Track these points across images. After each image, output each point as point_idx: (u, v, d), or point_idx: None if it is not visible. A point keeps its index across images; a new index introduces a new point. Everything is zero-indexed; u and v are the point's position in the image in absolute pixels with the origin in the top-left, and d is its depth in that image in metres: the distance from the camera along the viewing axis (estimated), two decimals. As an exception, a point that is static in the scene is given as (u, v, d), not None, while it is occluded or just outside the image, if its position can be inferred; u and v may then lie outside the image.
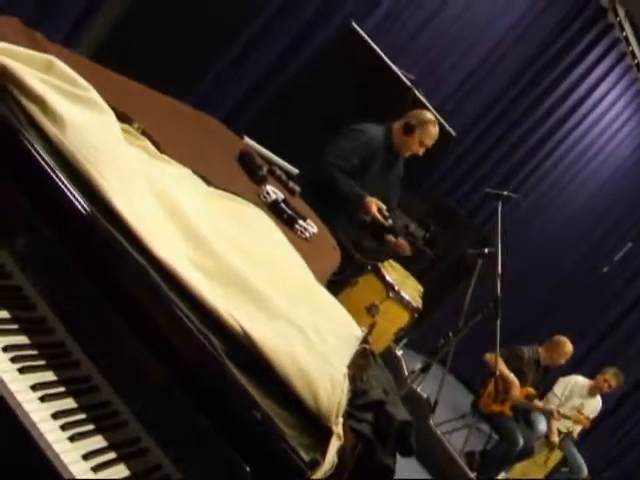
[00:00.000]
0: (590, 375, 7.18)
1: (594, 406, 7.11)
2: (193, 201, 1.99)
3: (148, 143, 2.16)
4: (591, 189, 8.48)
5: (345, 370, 1.62)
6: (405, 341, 5.64)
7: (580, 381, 7.08)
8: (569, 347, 6.10)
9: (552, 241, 8.38)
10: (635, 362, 8.16)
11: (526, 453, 5.81)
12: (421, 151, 4.45)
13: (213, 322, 1.57)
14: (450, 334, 3.99)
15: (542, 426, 6.58)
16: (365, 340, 1.88)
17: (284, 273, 2.00)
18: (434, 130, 4.43)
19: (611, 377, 6.99)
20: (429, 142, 4.42)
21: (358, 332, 1.89)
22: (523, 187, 7.94)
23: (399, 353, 5.57)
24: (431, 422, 5.45)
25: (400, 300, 4.06)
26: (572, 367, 7.50)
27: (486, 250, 4.05)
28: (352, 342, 1.81)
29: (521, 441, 5.62)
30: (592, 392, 7.05)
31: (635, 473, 8.17)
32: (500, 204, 4.73)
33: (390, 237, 4.41)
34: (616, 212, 8.43)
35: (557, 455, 7.06)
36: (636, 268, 8.36)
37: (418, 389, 5.35)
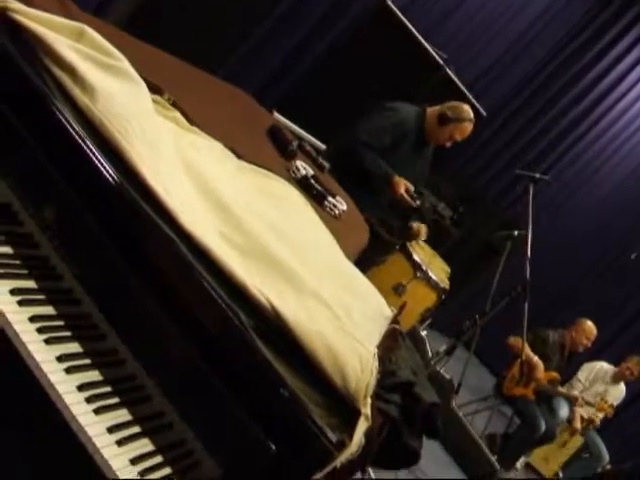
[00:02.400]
0: (615, 362, 7.11)
1: (617, 393, 7.05)
2: (223, 174, 1.96)
3: (178, 114, 2.14)
4: (622, 174, 8.36)
5: (374, 350, 1.59)
6: (429, 322, 5.61)
7: (604, 367, 7.01)
8: (593, 329, 6.03)
9: (581, 225, 8.29)
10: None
11: (547, 438, 5.77)
12: (449, 144, 4.34)
13: (242, 297, 1.54)
14: (477, 317, 3.94)
15: (564, 412, 6.53)
16: (395, 320, 1.85)
17: (314, 250, 1.97)
18: (469, 128, 4.29)
19: (634, 365, 6.91)
20: (459, 138, 4.29)
21: (388, 312, 1.86)
22: (552, 170, 7.85)
23: (423, 334, 5.53)
24: (454, 404, 5.42)
25: (427, 280, 4.02)
26: (596, 354, 7.43)
27: (516, 232, 3.99)
28: (382, 322, 1.77)
29: (543, 426, 5.58)
30: (616, 379, 6.98)
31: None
32: (531, 186, 4.65)
33: (411, 222, 4.35)
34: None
35: (577, 440, 7.01)
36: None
37: (442, 370, 5.32)
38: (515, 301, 4.09)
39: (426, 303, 4.11)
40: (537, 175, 4.71)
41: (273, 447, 1.43)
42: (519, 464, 6.53)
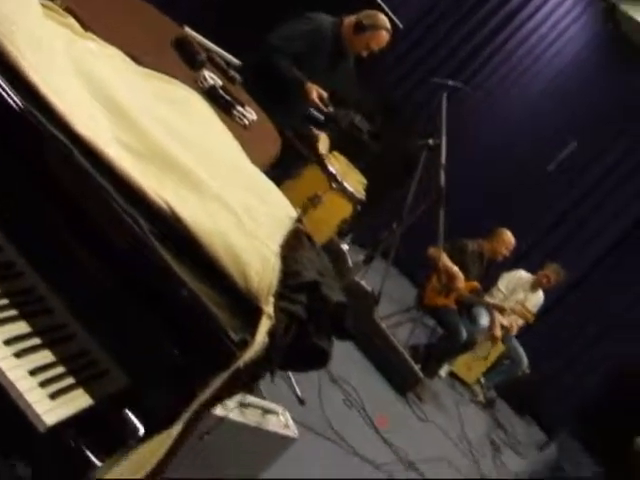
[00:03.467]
0: (533, 271, 7.31)
1: (536, 300, 7.28)
2: (121, 80, 1.87)
3: (73, 21, 2.03)
4: (540, 86, 8.43)
5: (277, 249, 1.57)
6: (351, 236, 5.64)
7: (523, 276, 7.21)
8: (511, 239, 6.15)
9: (499, 137, 8.36)
10: (577, 259, 8.31)
11: (468, 346, 5.92)
12: (365, 53, 4.33)
13: (140, 201, 1.49)
14: (394, 225, 3.95)
15: (484, 320, 6.71)
16: (300, 221, 1.83)
17: (217, 155, 1.91)
18: (385, 37, 4.30)
19: (551, 273, 7.13)
20: (375, 47, 4.30)
21: (292, 213, 1.84)
22: (471, 81, 7.86)
23: (345, 248, 5.57)
24: (376, 316, 5.51)
25: (343, 191, 4.01)
26: (515, 263, 7.62)
27: (430, 141, 3.99)
28: (286, 223, 1.74)
29: (464, 334, 5.72)
30: (534, 287, 7.19)
31: (573, 366, 8.43)
32: (445, 94, 4.65)
33: (314, 129, 4.33)
34: (564, 111, 8.41)
35: (499, 348, 7.25)
36: (580, 167, 8.41)
37: (362, 282, 5.38)
38: (433, 211, 4.11)
39: (342, 214, 4.10)
40: (450, 82, 4.71)
41: (176, 350, 1.41)
42: (443, 372, 6.72)
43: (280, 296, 1.52)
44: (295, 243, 1.68)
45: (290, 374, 4.08)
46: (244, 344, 1.38)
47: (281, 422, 2.93)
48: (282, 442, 2.96)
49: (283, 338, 1.52)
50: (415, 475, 4.57)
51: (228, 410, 2.62)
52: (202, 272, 1.45)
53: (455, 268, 5.77)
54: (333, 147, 4.37)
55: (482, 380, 7.35)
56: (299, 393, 4.07)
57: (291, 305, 1.54)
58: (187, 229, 1.46)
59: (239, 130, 2.67)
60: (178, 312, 1.41)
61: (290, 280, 1.56)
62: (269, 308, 1.44)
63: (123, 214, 1.45)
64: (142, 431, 1.40)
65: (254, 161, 2.21)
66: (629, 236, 8.33)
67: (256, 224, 1.58)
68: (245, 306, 1.45)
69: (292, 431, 2.97)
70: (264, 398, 3.66)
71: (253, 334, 1.40)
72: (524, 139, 8.42)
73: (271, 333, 1.45)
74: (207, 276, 1.44)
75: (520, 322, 7.14)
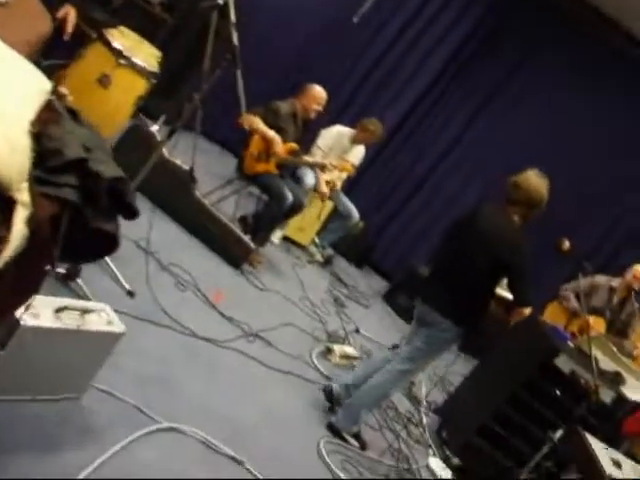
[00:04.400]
0: (352, 125, 7.28)
1: (357, 153, 7.29)
2: None
3: None
4: None
5: (27, 127, 1.33)
6: (164, 118, 5.32)
7: (342, 131, 7.17)
8: (322, 93, 6.00)
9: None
10: (390, 109, 8.35)
11: (296, 207, 5.85)
12: None
13: None
14: (194, 95, 3.71)
15: (309, 179, 6.67)
16: (55, 92, 1.58)
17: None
18: None
19: (372, 131, 7.12)
20: None
21: (46, 85, 1.59)
22: None
23: (155, 128, 5.27)
24: (197, 194, 5.31)
25: (132, 66, 3.69)
26: (332, 120, 7.56)
27: (220, 1, 3.71)
28: (36, 97, 1.51)
29: (290, 196, 5.64)
30: (354, 141, 7.17)
31: (398, 213, 8.64)
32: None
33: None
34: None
35: (329, 206, 7.27)
36: (383, 18, 8.31)
37: (177, 162, 5.14)
38: (232, 73, 3.86)
39: (137, 91, 3.79)
40: None
41: None
42: (276, 239, 6.68)
43: (40, 180, 1.30)
44: (50, 117, 1.45)
45: (114, 268, 3.87)
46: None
47: (103, 319, 2.75)
48: (109, 339, 2.79)
49: (53, 227, 1.32)
50: (262, 344, 4.55)
51: (40, 318, 2.41)
52: None
53: (271, 132, 5.61)
54: (124, 24, 4.01)
55: (317, 240, 7.39)
56: (127, 286, 3.87)
57: (58, 189, 1.33)
58: None
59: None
60: None
61: (50, 161, 1.34)
62: (23, 196, 1.23)
63: None
64: None
65: (15, 38, 1.92)
66: (439, 81, 8.44)
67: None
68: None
69: (117, 326, 2.80)
70: (89, 299, 3.48)
71: (8, 228, 1.19)
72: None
73: (34, 223, 1.24)
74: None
75: (343, 176, 7.16)
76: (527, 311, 3.97)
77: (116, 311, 2.98)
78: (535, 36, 8.19)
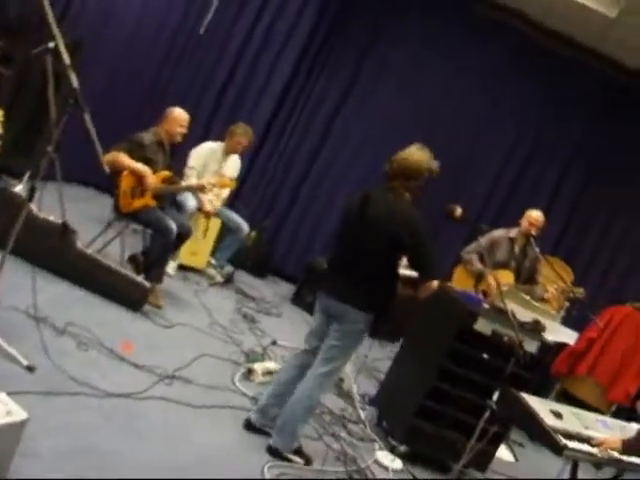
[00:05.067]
0: (221, 138, 7.13)
1: (233, 165, 7.16)
2: None
3: None
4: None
5: None
6: (29, 174, 5.06)
7: (212, 146, 7.01)
8: (180, 113, 5.77)
9: (143, 15, 7.83)
10: (255, 112, 8.24)
11: (184, 234, 5.67)
12: None
13: None
14: (48, 148, 3.48)
15: (191, 203, 6.52)
16: None
17: None
18: None
19: (241, 136, 7.00)
20: None
21: None
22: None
23: (18, 188, 5.01)
24: (78, 245, 5.07)
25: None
26: (200, 138, 7.40)
27: (51, 45, 3.49)
28: None
29: (174, 226, 5.44)
30: (227, 151, 7.03)
31: (288, 212, 8.54)
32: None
33: None
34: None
35: (217, 224, 7.11)
36: (228, 23, 8.18)
37: (51, 218, 4.89)
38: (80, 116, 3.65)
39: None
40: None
41: None
42: (171, 270, 6.48)
43: None
44: None
45: (6, 346, 3.61)
46: None
47: (1, 411, 2.53)
48: (12, 430, 2.57)
49: None
50: (181, 383, 4.37)
51: None
52: None
53: (139, 165, 5.41)
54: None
55: (213, 261, 7.22)
56: (24, 362, 3.62)
57: None
58: None
59: None
60: None
61: None
62: None
63: None
64: None
65: None
66: (299, 73, 8.38)
67: None
68: None
69: (18, 414, 2.59)
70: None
71: None
72: (167, 10, 8.00)
73: None
74: None
75: (225, 192, 7.01)
76: (434, 284, 3.92)
77: (16, 393, 2.77)
78: (384, 9, 8.22)
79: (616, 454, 3.51)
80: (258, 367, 5.05)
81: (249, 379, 5.00)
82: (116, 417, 3.64)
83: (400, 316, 4.08)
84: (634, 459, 3.59)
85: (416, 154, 3.91)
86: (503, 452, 5.73)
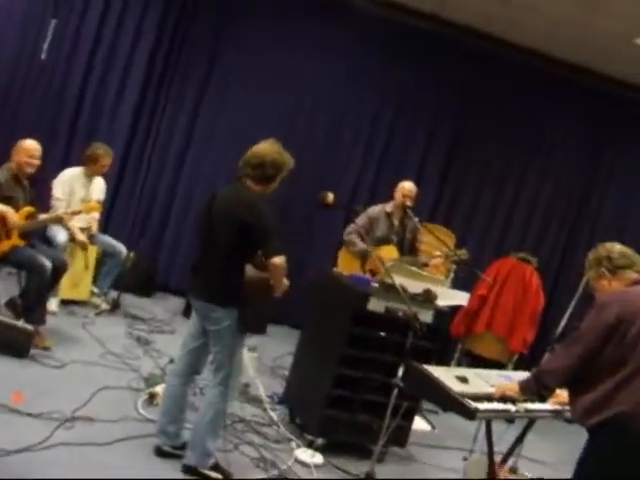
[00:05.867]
0: (81, 163, 6.88)
1: (98, 187, 6.95)
2: None
3: None
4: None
5: None
6: None
7: (73, 172, 6.77)
8: (29, 144, 5.50)
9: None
10: (112, 130, 7.99)
11: (60, 269, 5.46)
12: None
13: None
14: None
15: (61, 236, 6.31)
16: None
17: None
18: None
19: (104, 157, 6.80)
20: None
21: None
22: None
23: None
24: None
25: None
26: (61, 165, 7.12)
27: None
28: None
29: (47, 262, 5.22)
30: (89, 175, 6.81)
31: (162, 226, 8.34)
32: None
33: None
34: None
35: (94, 251, 6.89)
36: (69, 46, 7.87)
37: None
38: None
39: None
40: None
41: None
42: (54, 306, 6.23)
43: None
44: None
45: None
46: None
47: None
48: None
49: None
50: (83, 423, 4.20)
51: None
52: None
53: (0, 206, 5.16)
54: None
55: (95, 289, 6.99)
56: None
57: None
58: None
59: None
60: None
61: None
62: None
63: None
64: None
65: None
66: (151, 80, 8.18)
67: None
68: None
69: None
70: None
71: None
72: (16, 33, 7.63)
73: None
74: None
75: (96, 216, 6.79)
76: (277, 260, 3.79)
77: None
78: (224, 11, 8.13)
79: (528, 405, 3.60)
80: (160, 389, 4.91)
81: (153, 404, 4.86)
82: (20, 474, 3.46)
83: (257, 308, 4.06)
84: (542, 406, 3.70)
85: (261, 146, 3.97)
86: (419, 423, 5.82)
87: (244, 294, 3.87)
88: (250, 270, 3.90)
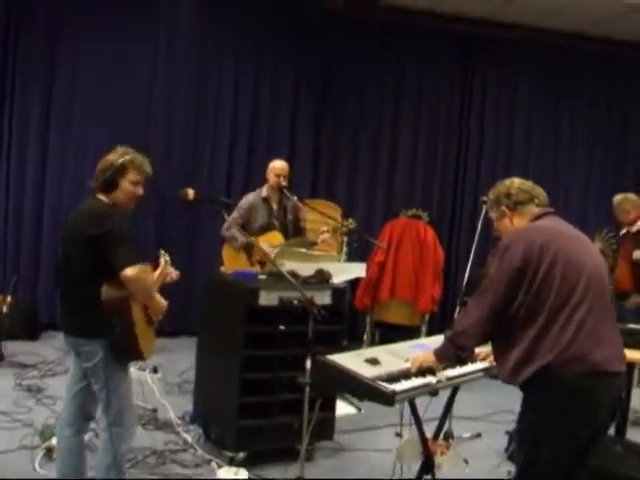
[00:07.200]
0: None
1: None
2: None
3: None
4: None
5: None
6: None
7: None
8: None
9: None
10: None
11: None
12: None
13: None
14: None
15: None
16: None
17: None
18: None
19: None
20: None
21: None
22: None
23: None
24: None
25: None
26: None
27: None
28: None
29: None
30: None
31: (35, 260, 7.79)
32: None
33: None
34: None
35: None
36: None
37: None
38: None
39: None
40: None
41: None
42: None
43: None
44: None
45: None
46: None
47: None
48: None
49: None
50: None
51: None
52: None
53: None
54: None
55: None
56: None
57: None
58: None
59: None
60: None
61: None
62: None
63: None
64: None
65: None
66: None
67: None
68: None
69: None
70: None
71: None
72: None
73: None
74: None
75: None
76: (129, 272, 3.34)
77: None
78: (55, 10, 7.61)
79: (449, 372, 3.32)
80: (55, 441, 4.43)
81: (52, 458, 4.36)
82: None
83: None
84: (464, 369, 3.44)
85: (109, 155, 3.51)
86: (344, 408, 5.56)
87: (108, 319, 3.38)
88: (109, 290, 3.39)
